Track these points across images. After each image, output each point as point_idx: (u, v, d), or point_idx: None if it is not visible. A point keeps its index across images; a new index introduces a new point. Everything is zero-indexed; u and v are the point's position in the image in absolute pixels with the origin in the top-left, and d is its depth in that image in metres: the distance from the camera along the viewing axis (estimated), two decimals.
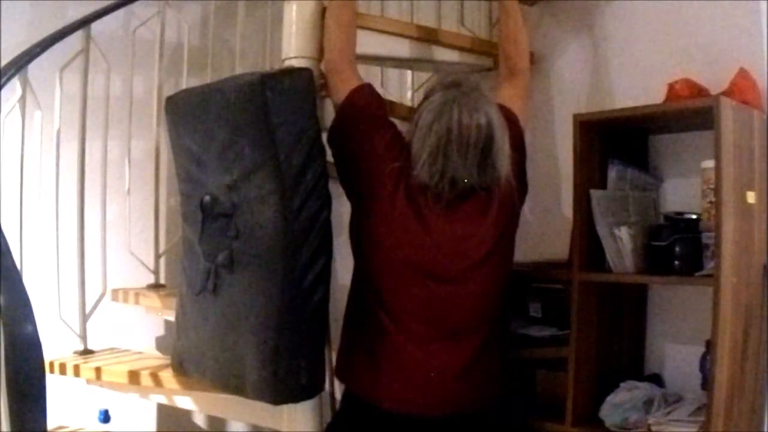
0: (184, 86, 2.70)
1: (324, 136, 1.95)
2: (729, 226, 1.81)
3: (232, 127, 1.91)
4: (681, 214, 2.05)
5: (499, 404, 1.98)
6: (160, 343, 2.96)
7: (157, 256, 2.78)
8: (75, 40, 2.50)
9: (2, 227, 1.79)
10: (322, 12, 2.01)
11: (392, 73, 2.87)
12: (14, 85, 2.37)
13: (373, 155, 1.90)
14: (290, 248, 1.85)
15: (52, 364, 2.40)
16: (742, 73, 2.01)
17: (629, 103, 2.14)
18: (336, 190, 1.97)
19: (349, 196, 1.97)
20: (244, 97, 1.88)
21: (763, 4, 2.06)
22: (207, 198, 2.01)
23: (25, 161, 2.44)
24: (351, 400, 1.96)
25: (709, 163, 1.87)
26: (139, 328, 2.90)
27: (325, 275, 1.90)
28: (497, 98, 1.99)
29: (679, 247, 1.96)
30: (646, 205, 2.17)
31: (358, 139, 1.92)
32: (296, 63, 1.99)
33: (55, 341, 2.39)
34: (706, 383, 1.89)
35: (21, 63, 2.33)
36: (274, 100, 1.82)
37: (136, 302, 2.68)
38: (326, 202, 1.91)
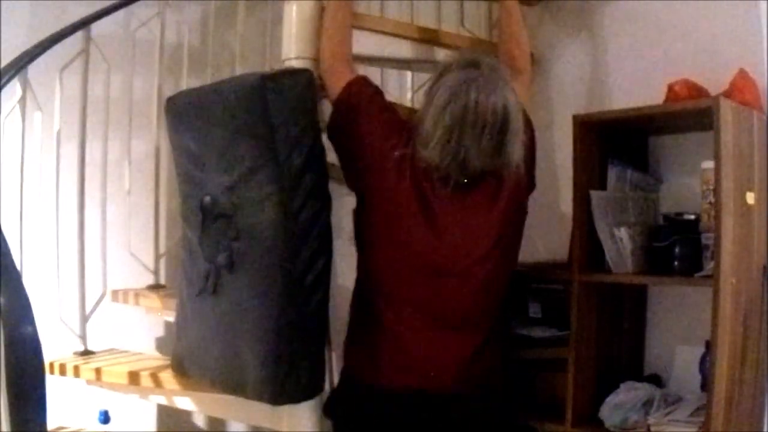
0: (184, 87, 2.70)
1: (324, 137, 1.95)
2: (728, 227, 1.81)
3: (232, 128, 1.91)
4: (681, 214, 2.06)
5: (498, 388, 1.98)
6: (160, 344, 2.96)
7: (157, 257, 2.78)
8: (75, 40, 2.50)
9: (2, 227, 1.79)
10: (321, 12, 2.01)
11: (392, 73, 2.86)
12: (14, 86, 2.37)
13: (371, 150, 1.89)
14: (290, 249, 1.85)
15: (52, 365, 2.39)
16: (742, 74, 2.01)
17: (629, 103, 2.14)
18: (336, 191, 1.97)
19: (354, 190, 1.95)
20: (244, 98, 1.88)
21: (763, 5, 2.06)
22: (207, 198, 2.01)
23: (25, 162, 2.43)
24: (349, 381, 1.95)
25: (709, 164, 1.87)
26: (139, 328, 2.89)
27: (324, 276, 1.90)
28: None
29: (679, 247, 1.96)
30: (646, 206, 2.17)
31: (354, 134, 1.91)
32: (296, 64, 1.99)
33: (56, 342, 2.39)
34: (706, 384, 1.89)
35: (21, 64, 2.33)
36: (274, 100, 1.82)
37: (136, 303, 2.67)
38: (326, 203, 1.91)
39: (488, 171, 1.84)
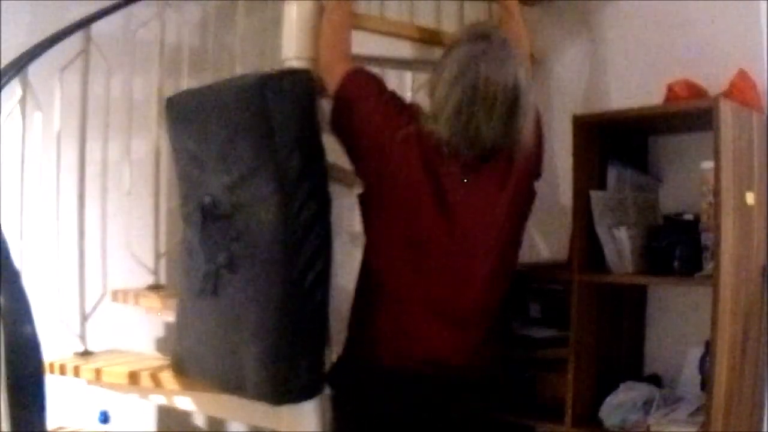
0: (184, 87, 2.70)
1: (324, 137, 1.95)
2: (728, 227, 1.81)
3: (231, 128, 1.91)
4: (680, 215, 2.06)
5: (498, 379, 1.99)
6: (160, 344, 2.96)
7: (158, 257, 2.78)
8: (75, 40, 2.50)
9: (2, 228, 1.79)
10: (321, 12, 2.01)
11: (392, 73, 2.86)
12: (14, 86, 2.37)
13: (374, 133, 1.87)
14: (290, 249, 1.85)
15: (52, 365, 2.39)
16: (742, 74, 2.01)
17: (629, 103, 2.14)
18: (336, 191, 1.96)
19: (363, 179, 1.94)
20: (243, 99, 1.88)
21: (763, 5, 2.06)
22: (207, 199, 2.01)
23: (25, 162, 2.44)
24: (350, 356, 1.94)
25: (709, 164, 1.88)
26: (139, 328, 2.90)
27: (324, 276, 1.90)
28: None
29: (679, 248, 1.96)
30: (646, 206, 2.17)
31: (355, 122, 1.90)
32: (296, 64, 1.99)
33: (56, 342, 2.39)
34: (706, 384, 1.89)
35: (21, 64, 2.33)
36: (274, 101, 1.82)
37: (136, 303, 2.68)
38: (326, 203, 1.91)
39: (498, 148, 1.82)
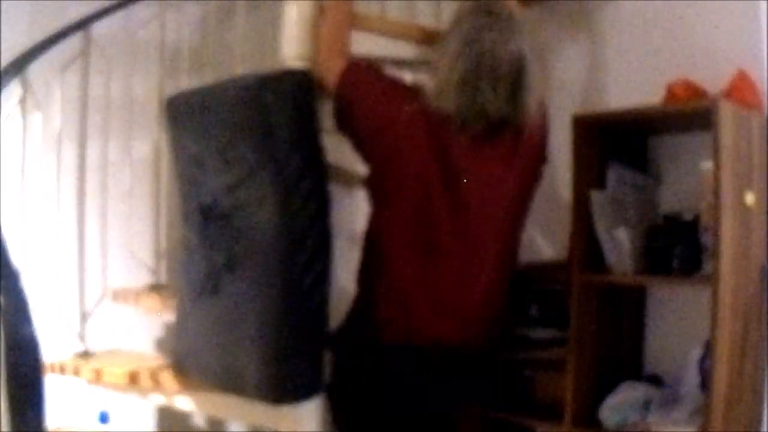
0: (184, 87, 2.69)
1: (324, 137, 1.95)
2: (728, 227, 1.81)
3: (231, 129, 1.92)
4: (680, 215, 2.06)
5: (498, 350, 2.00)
6: (160, 344, 2.96)
7: (158, 256, 2.78)
8: (75, 40, 2.51)
9: (2, 228, 1.79)
10: (320, 12, 2.01)
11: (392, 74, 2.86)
12: (14, 86, 2.38)
13: (377, 117, 1.87)
14: (290, 249, 1.85)
15: (52, 365, 2.40)
16: (741, 75, 2.01)
17: (628, 104, 2.14)
18: (336, 192, 1.97)
19: (368, 163, 1.94)
20: (243, 99, 1.88)
21: (763, 5, 2.06)
22: (207, 199, 2.02)
23: (25, 162, 2.44)
24: (351, 326, 1.94)
25: (708, 164, 1.87)
26: (139, 328, 2.90)
27: (324, 276, 1.90)
28: None
29: (678, 248, 1.96)
30: (645, 206, 2.17)
31: (357, 112, 1.90)
32: (296, 64, 1.99)
33: (56, 342, 2.39)
34: (706, 384, 1.89)
35: (21, 64, 2.34)
36: (274, 101, 1.82)
37: (136, 303, 2.68)
38: (325, 203, 1.91)
39: (505, 121, 1.81)
